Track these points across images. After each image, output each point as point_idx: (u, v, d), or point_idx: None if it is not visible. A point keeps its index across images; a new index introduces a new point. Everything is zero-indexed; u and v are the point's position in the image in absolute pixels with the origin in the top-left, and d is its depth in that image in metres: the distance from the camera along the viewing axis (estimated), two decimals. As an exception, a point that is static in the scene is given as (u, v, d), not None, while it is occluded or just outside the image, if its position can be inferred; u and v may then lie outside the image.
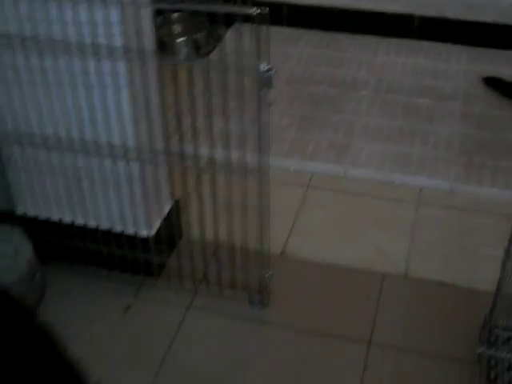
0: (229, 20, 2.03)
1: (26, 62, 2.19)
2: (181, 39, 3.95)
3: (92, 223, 2.49)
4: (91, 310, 2.49)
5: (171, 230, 2.52)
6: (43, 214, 2.53)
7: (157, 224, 2.47)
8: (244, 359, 2.32)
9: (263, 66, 1.95)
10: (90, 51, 2.08)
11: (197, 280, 2.51)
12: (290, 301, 2.50)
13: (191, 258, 2.46)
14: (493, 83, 3.62)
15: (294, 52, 3.98)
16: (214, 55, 3.77)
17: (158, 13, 2.07)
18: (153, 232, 2.46)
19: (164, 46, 3.80)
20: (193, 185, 2.34)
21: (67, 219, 2.51)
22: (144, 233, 2.45)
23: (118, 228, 2.46)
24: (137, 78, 2.14)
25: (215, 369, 2.28)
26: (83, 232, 2.50)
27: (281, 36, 4.08)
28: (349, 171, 3.07)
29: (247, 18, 1.90)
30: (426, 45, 4.00)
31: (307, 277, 2.60)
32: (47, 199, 2.49)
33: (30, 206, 2.54)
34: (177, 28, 4.14)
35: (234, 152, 2.19)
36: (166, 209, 2.52)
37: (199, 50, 4.00)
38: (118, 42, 2.08)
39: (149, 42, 2.17)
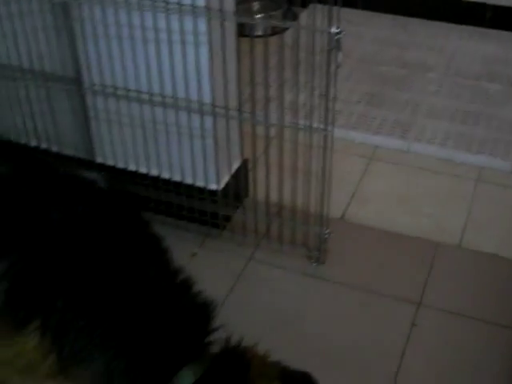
0: (304, 1, 2.21)
1: (114, 18, 2.37)
2: (258, 16, 4.09)
3: (165, 174, 2.66)
4: None
5: (238, 187, 2.67)
6: (120, 163, 2.71)
7: (225, 179, 2.63)
8: (297, 309, 2.46)
9: (334, 29, 2.08)
10: (175, 9, 2.24)
11: (259, 234, 2.66)
12: (346, 260, 2.63)
13: (255, 214, 2.61)
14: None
15: (367, 33, 4.09)
16: (288, 32, 3.90)
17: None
18: (221, 186, 2.61)
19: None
20: (261, 148, 2.49)
21: (142, 170, 2.68)
22: (213, 186, 2.61)
23: (188, 180, 2.62)
24: (216, 37, 2.29)
25: (270, 315, 2.43)
26: (156, 182, 2.67)
27: (355, 18, 4.19)
28: (412, 146, 3.17)
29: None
30: (497, 33, 4.06)
31: (364, 240, 2.72)
32: (125, 150, 2.67)
33: (108, 155, 2.72)
34: (255, 5, 4.30)
35: (302, 120, 2.34)
36: (235, 166, 2.67)
37: (275, 27, 4.13)
38: (201, 1, 2.23)
39: (229, 4, 2.33)
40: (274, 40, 2.33)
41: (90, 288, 1.60)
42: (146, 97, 2.47)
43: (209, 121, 2.45)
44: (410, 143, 3.18)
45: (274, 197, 2.59)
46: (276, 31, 4.02)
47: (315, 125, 2.31)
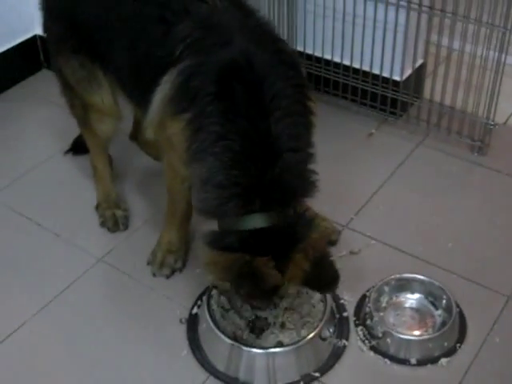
0: None
1: None
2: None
3: (355, 64, 3.09)
4: (341, 131, 3.12)
5: (418, 82, 3.07)
6: (317, 52, 3.17)
7: (408, 72, 3.04)
8: (452, 189, 2.84)
9: None
10: None
11: (431, 124, 3.05)
12: (506, 156, 2.97)
13: (430, 106, 3.01)
14: None
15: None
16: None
17: None
18: (403, 78, 3.02)
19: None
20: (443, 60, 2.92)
21: (336, 59, 3.13)
22: (396, 77, 3.03)
23: (375, 70, 3.05)
24: None
25: (427, 188, 2.84)
26: (347, 70, 3.11)
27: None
28: None
29: None
30: None
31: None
32: (324, 40, 3.12)
33: (308, 44, 3.18)
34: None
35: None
36: (418, 63, 3.06)
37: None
38: None
39: None
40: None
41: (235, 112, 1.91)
42: (350, -9, 2.92)
43: (402, 15, 2.85)
44: None
45: (447, 99, 2.97)
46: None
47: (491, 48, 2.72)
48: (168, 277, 2.48)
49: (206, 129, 1.93)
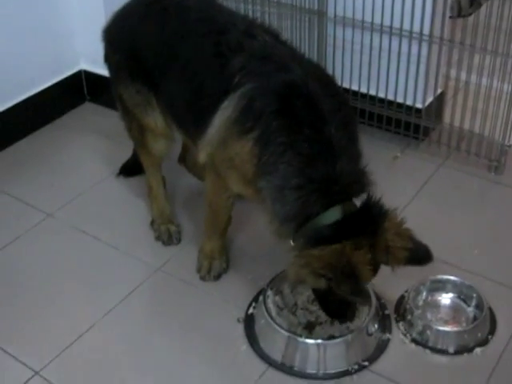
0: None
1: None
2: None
3: (381, 94, 3.40)
4: (368, 155, 3.31)
5: (439, 108, 3.37)
6: (345, 83, 3.47)
7: (429, 100, 3.34)
8: (477, 204, 3.14)
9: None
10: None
11: (451, 147, 3.35)
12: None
13: (450, 130, 3.31)
14: None
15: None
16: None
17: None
18: (425, 105, 3.33)
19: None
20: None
21: (363, 89, 3.44)
22: (419, 105, 3.32)
23: (399, 99, 3.35)
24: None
25: (448, 204, 3.13)
26: (373, 99, 3.41)
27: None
28: None
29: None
30: None
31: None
32: (352, 72, 3.42)
33: (337, 76, 3.47)
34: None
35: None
36: (438, 92, 3.37)
37: (460, 11, 4.82)
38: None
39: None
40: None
41: (297, 124, 2.19)
42: (377, 27, 3.22)
43: (424, 48, 3.16)
44: None
45: (466, 124, 3.27)
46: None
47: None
48: (216, 279, 2.74)
49: (274, 142, 2.19)
